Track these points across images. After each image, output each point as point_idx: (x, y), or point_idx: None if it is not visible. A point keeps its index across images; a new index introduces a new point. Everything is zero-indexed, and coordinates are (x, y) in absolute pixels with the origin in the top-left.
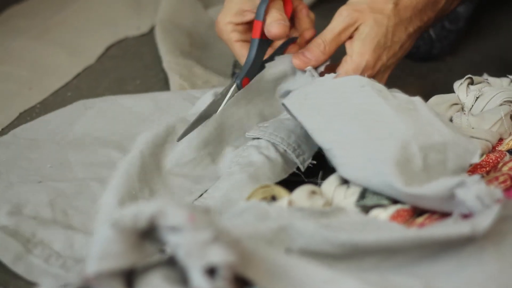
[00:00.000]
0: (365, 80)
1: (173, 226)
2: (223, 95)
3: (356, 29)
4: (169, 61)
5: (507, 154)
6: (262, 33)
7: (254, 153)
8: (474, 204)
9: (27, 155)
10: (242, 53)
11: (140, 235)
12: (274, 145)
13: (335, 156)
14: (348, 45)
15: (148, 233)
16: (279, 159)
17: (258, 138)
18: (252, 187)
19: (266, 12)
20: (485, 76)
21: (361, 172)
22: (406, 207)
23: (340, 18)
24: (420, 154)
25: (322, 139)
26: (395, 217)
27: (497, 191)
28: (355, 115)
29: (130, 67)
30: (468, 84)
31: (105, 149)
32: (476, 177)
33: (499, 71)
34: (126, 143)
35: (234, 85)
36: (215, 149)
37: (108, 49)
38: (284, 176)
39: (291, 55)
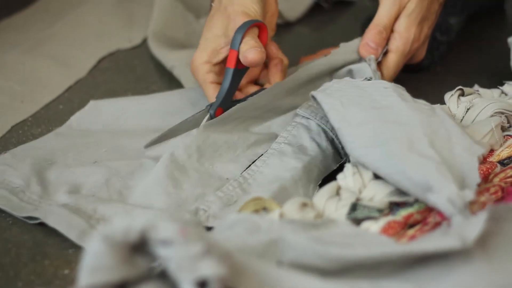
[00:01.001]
0: (389, 84)
1: (164, 239)
2: (195, 118)
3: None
4: (175, 66)
5: (498, 165)
6: (237, 63)
7: (305, 137)
8: (447, 208)
9: (82, 141)
10: (214, 95)
11: (131, 249)
12: (324, 131)
13: (344, 135)
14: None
15: (140, 247)
16: (329, 148)
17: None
18: (306, 181)
19: (241, 42)
20: (476, 87)
21: (370, 151)
22: (397, 219)
23: (390, 1)
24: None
25: (336, 118)
26: (386, 229)
27: (468, 193)
28: (373, 105)
29: (122, 79)
30: (459, 95)
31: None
32: (446, 181)
33: (490, 83)
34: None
35: (208, 115)
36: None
37: (100, 61)
38: (333, 167)
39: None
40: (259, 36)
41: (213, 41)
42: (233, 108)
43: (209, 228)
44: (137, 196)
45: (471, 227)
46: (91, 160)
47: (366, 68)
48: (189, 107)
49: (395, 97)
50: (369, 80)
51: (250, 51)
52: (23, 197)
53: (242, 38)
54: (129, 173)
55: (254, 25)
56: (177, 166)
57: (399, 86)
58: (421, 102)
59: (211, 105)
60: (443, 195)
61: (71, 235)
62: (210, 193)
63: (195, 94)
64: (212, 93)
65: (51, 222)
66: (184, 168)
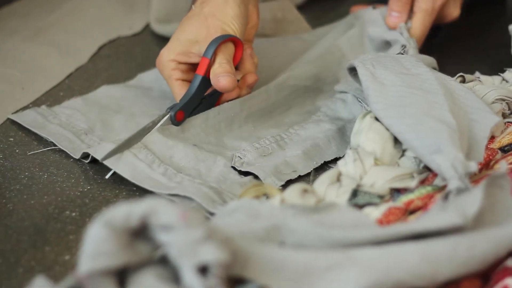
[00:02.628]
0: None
1: (165, 224)
2: (154, 123)
3: None
4: None
5: (499, 152)
6: (207, 71)
7: (342, 109)
8: (449, 172)
9: (149, 94)
10: (180, 92)
11: (132, 234)
12: (359, 100)
13: (369, 92)
14: None
15: (140, 232)
16: None
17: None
18: (340, 140)
19: (215, 53)
20: (477, 74)
21: (390, 109)
22: (398, 205)
23: None
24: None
25: (365, 76)
26: (387, 215)
27: (472, 164)
28: (401, 71)
29: (123, 66)
30: (460, 82)
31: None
32: (455, 148)
33: (491, 70)
34: None
35: (167, 116)
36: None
37: (101, 49)
38: None
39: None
40: (235, 52)
41: (184, 44)
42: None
43: (211, 214)
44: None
45: (469, 202)
46: (156, 113)
47: (399, 37)
48: None
49: (424, 67)
50: (402, 52)
51: (223, 77)
52: (85, 139)
53: (216, 50)
54: None
55: (230, 40)
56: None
57: (429, 57)
58: (448, 77)
59: (172, 107)
60: (449, 158)
61: (112, 164)
62: (247, 145)
63: None
64: (178, 90)
65: (97, 154)
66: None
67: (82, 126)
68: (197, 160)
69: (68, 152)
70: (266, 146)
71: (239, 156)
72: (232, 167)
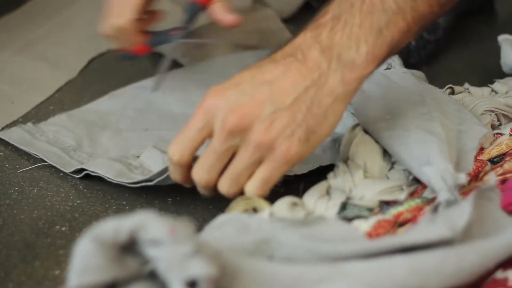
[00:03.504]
0: (407, 70)
1: (153, 239)
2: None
3: None
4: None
5: (488, 163)
6: None
7: None
8: (438, 184)
9: (135, 106)
10: None
11: (120, 249)
12: (351, 113)
13: (359, 106)
14: None
15: (129, 247)
16: None
17: None
18: (334, 151)
19: None
20: (466, 85)
21: (379, 121)
22: (387, 217)
23: None
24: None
25: None
26: (376, 228)
27: (461, 176)
28: (390, 85)
29: (113, 80)
30: (449, 93)
31: None
32: (444, 160)
33: (481, 80)
34: None
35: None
36: None
37: (90, 62)
38: None
39: None
40: None
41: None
42: None
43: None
44: None
45: (458, 215)
46: (143, 127)
47: None
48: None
49: (412, 79)
50: (390, 67)
51: (229, 15)
52: (74, 155)
53: None
54: None
55: None
56: None
57: (418, 71)
58: (436, 88)
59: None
60: (438, 170)
61: (110, 174)
62: None
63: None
64: None
65: (93, 168)
66: None
67: (70, 143)
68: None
69: (59, 168)
70: None
71: None
72: None
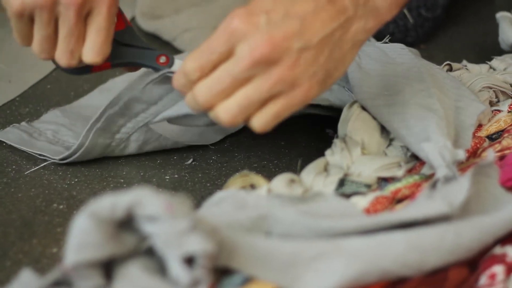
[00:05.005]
0: (405, 46)
1: (150, 215)
2: None
3: None
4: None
5: (487, 140)
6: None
7: (328, 96)
8: (436, 160)
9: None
10: None
11: (117, 226)
12: (345, 89)
13: (356, 81)
14: None
15: (126, 223)
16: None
17: None
18: None
19: None
20: (464, 62)
21: (377, 98)
22: (385, 194)
23: None
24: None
25: (349, 68)
26: (374, 204)
27: (460, 152)
28: (387, 61)
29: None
30: (447, 70)
31: None
32: (442, 136)
33: (479, 58)
34: None
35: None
36: None
37: None
38: None
39: None
40: None
41: None
42: None
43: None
44: None
45: (456, 191)
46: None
47: None
48: None
49: (409, 55)
50: (387, 41)
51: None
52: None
53: None
54: None
55: None
56: None
57: (413, 49)
58: (434, 65)
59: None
60: (436, 146)
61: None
62: None
63: None
64: None
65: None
66: None
67: (72, 141)
68: None
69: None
70: None
71: None
72: None
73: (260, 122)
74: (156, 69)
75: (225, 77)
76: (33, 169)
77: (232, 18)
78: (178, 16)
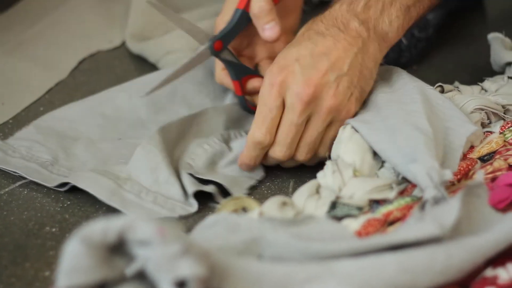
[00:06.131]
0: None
1: (142, 239)
2: (198, 56)
3: None
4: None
5: (478, 161)
6: (247, 6)
7: None
8: (424, 181)
9: (101, 111)
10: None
11: (109, 250)
12: None
13: None
14: None
15: (118, 248)
16: None
17: None
18: None
19: None
20: (456, 83)
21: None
22: (377, 216)
23: None
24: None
25: None
26: (366, 226)
27: (447, 172)
28: (383, 90)
29: (103, 80)
30: (439, 92)
31: (173, 107)
32: (430, 157)
33: (470, 79)
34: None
35: (207, 44)
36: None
37: (81, 63)
38: None
39: None
40: None
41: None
42: None
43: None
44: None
45: (447, 212)
46: (115, 136)
47: None
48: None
49: (406, 79)
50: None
51: (270, 27)
52: (53, 169)
53: None
54: None
55: None
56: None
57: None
58: (427, 85)
59: (212, 37)
60: (424, 167)
61: (102, 195)
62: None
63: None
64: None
65: (81, 185)
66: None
67: (46, 157)
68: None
69: (42, 183)
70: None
71: (188, 163)
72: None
73: (324, 150)
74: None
75: (290, 128)
76: (25, 192)
77: (270, 76)
78: (161, 38)
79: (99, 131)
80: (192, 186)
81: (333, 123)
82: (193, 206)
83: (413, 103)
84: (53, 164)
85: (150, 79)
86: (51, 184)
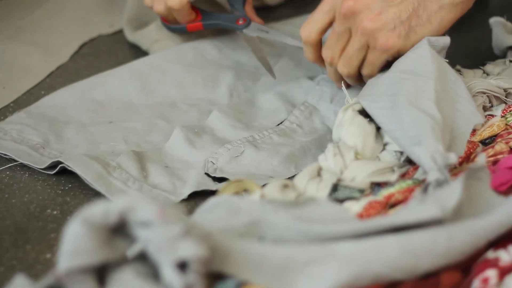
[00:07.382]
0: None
1: (143, 221)
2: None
3: None
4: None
5: (480, 145)
6: None
7: (316, 120)
8: (428, 163)
9: (92, 97)
10: None
11: (110, 231)
12: (335, 112)
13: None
14: None
15: (119, 229)
16: None
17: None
18: (316, 150)
19: None
20: (458, 67)
21: (378, 99)
22: (378, 198)
23: None
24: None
25: None
26: (367, 209)
27: (451, 156)
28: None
29: (104, 64)
30: None
31: (164, 88)
32: (435, 141)
33: (473, 63)
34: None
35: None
36: None
37: (82, 47)
38: None
39: None
40: None
41: None
42: None
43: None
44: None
45: (448, 195)
46: (107, 120)
47: None
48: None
49: (426, 48)
50: None
51: None
52: (44, 152)
53: None
54: (145, 131)
55: None
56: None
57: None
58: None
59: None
60: (428, 150)
61: (89, 177)
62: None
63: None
64: None
65: (71, 164)
66: (198, 133)
67: (36, 140)
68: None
69: (32, 166)
70: (238, 145)
71: (211, 161)
72: (206, 173)
73: (364, 71)
74: (237, 29)
75: (333, 34)
76: (26, 175)
77: None
78: (148, 28)
79: (90, 116)
80: (193, 186)
81: (371, 50)
82: (178, 197)
83: (427, 79)
84: (44, 146)
85: (139, 64)
86: (41, 165)
